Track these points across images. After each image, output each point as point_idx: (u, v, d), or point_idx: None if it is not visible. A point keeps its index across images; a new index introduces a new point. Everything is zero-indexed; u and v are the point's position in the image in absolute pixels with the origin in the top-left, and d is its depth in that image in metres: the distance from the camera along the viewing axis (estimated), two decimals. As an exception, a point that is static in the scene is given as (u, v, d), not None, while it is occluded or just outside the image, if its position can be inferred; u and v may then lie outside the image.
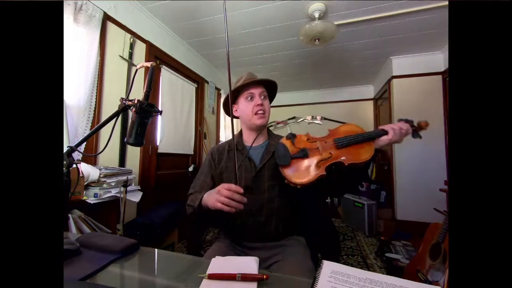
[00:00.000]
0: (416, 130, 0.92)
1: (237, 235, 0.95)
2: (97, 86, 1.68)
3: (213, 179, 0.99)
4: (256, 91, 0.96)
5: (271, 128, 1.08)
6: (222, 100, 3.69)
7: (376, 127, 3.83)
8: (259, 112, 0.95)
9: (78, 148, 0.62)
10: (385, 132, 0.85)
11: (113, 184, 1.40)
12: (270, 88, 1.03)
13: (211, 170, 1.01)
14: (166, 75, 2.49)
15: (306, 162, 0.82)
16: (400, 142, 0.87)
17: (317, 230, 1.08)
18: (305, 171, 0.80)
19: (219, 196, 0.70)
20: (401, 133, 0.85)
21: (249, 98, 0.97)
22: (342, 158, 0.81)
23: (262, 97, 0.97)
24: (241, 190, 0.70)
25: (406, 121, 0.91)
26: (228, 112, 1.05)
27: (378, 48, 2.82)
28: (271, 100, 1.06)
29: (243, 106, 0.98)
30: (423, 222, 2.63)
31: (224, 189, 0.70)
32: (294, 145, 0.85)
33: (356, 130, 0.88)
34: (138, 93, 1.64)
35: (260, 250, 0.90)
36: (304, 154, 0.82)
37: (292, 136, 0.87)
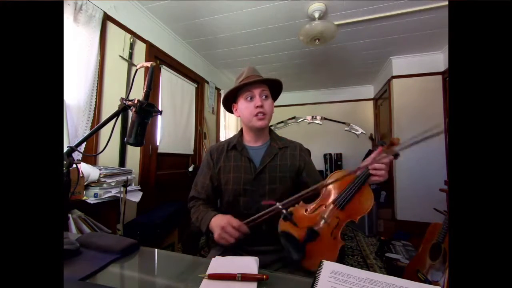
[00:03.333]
0: (392, 148, 0.77)
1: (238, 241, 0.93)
2: (97, 86, 1.68)
3: (212, 180, 0.97)
4: (257, 90, 0.91)
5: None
6: (222, 97, 3.68)
7: (376, 127, 3.78)
8: (259, 114, 0.90)
9: (78, 148, 0.62)
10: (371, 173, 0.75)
11: (113, 184, 1.40)
12: (274, 86, 0.97)
13: (209, 170, 0.97)
14: (166, 75, 2.49)
15: (319, 241, 0.73)
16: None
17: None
18: (325, 251, 0.72)
19: (224, 234, 0.76)
20: (387, 170, 0.75)
21: (248, 98, 0.92)
22: (351, 217, 0.75)
23: (264, 96, 0.92)
24: (247, 231, 0.77)
25: (381, 144, 0.79)
26: (229, 109, 1.03)
27: (378, 48, 2.82)
28: (275, 98, 1.00)
29: (243, 106, 0.94)
30: (423, 222, 2.63)
31: (232, 228, 0.76)
32: (297, 226, 0.75)
33: (344, 179, 0.79)
34: (138, 93, 1.65)
35: (262, 254, 0.84)
36: (314, 235, 0.73)
37: (289, 216, 0.75)
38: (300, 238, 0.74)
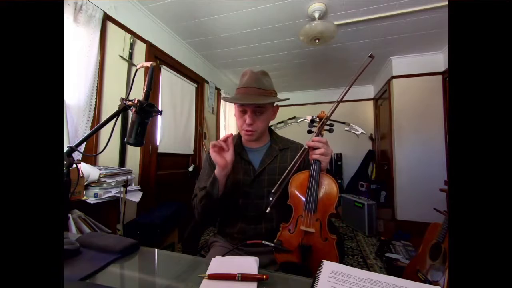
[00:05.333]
0: (323, 123, 0.87)
1: (237, 240, 0.92)
2: (97, 86, 1.68)
3: None
4: (250, 108, 0.87)
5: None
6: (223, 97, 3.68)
7: (376, 127, 3.78)
8: (248, 130, 0.88)
9: (78, 148, 0.62)
10: (319, 161, 0.79)
11: (113, 184, 1.40)
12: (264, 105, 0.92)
13: (212, 167, 0.95)
14: (166, 75, 2.49)
15: (316, 250, 0.75)
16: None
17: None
18: (325, 255, 0.73)
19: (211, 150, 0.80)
20: (327, 152, 0.79)
21: (241, 110, 0.89)
22: (328, 211, 0.78)
23: (258, 112, 0.88)
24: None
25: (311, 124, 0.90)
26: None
27: (378, 48, 2.83)
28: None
29: (236, 115, 0.93)
30: (423, 222, 2.63)
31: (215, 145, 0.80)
32: (291, 251, 0.76)
33: (303, 180, 0.82)
34: (138, 93, 1.65)
35: (262, 255, 0.84)
36: (307, 250, 0.75)
37: (280, 246, 0.76)
38: (298, 259, 0.76)
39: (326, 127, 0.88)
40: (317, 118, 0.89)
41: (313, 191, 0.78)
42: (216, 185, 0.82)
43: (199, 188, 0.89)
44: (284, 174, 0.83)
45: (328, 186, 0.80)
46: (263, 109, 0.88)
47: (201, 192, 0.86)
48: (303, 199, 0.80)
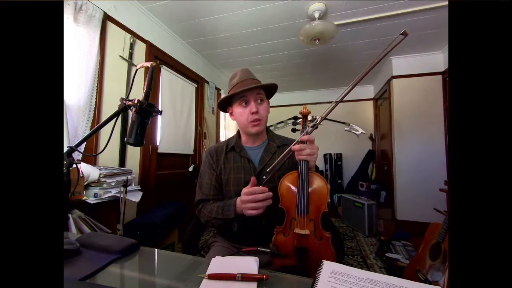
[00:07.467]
0: (305, 121, 0.90)
1: (237, 239, 0.93)
2: (97, 86, 1.68)
3: (216, 180, 0.95)
4: (252, 95, 0.89)
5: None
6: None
7: (376, 127, 3.77)
8: (254, 120, 0.89)
9: (78, 148, 0.62)
10: (306, 161, 0.79)
11: (113, 184, 1.40)
12: (269, 87, 0.96)
13: (212, 171, 0.97)
14: (166, 75, 2.49)
15: (312, 250, 0.75)
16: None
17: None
18: (322, 254, 0.73)
19: (245, 205, 0.75)
20: (313, 151, 0.79)
21: (243, 103, 0.90)
22: (320, 210, 0.78)
23: (259, 100, 0.90)
24: (265, 189, 0.74)
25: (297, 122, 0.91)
26: (225, 111, 1.02)
27: (378, 48, 2.82)
28: (269, 97, 0.99)
29: (238, 112, 0.92)
30: (423, 222, 2.63)
31: (245, 195, 0.75)
32: (287, 255, 0.76)
33: (292, 182, 0.82)
34: (138, 93, 1.64)
35: (262, 254, 0.84)
36: (304, 252, 0.75)
37: (276, 251, 0.76)
38: (295, 262, 0.75)
39: (310, 124, 0.87)
40: (300, 115, 0.90)
41: (304, 193, 0.78)
42: (234, 223, 0.85)
43: (213, 218, 0.87)
44: (272, 169, 0.82)
45: (317, 185, 0.80)
46: (263, 96, 0.92)
47: (217, 221, 0.86)
48: (294, 201, 0.79)
